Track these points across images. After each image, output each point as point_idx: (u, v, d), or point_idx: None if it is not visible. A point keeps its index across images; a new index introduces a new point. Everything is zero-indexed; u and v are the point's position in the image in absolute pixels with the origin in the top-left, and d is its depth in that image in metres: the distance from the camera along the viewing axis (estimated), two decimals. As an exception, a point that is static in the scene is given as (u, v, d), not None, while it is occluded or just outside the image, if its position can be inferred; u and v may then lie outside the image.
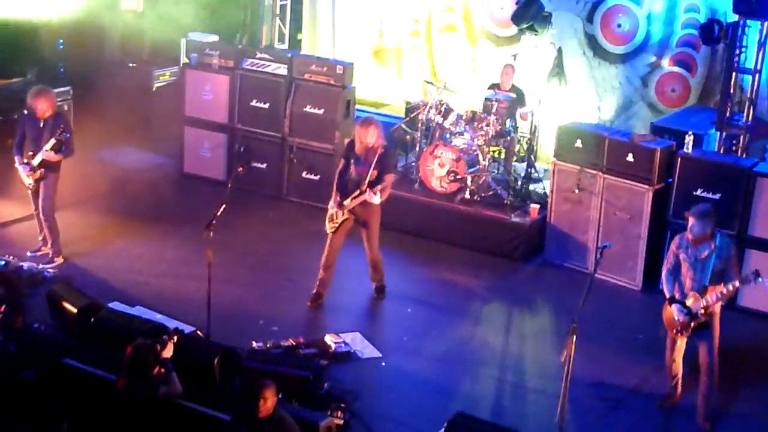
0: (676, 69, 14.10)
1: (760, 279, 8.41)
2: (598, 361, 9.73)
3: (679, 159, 11.33)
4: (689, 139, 11.51)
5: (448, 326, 10.50)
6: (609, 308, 10.96)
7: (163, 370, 7.68)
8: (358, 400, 8.86)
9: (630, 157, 11.47)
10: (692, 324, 8.65)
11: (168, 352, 7.80)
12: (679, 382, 9.10)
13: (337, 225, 10.49)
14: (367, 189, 10.24)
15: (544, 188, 13.06)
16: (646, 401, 9.28)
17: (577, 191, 11.86)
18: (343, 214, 10.43)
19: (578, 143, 11.85)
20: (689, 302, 8.62)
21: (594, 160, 11.73)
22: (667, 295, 8.81)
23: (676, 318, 8.68)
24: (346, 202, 10.38)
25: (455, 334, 10.32)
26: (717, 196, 11.07)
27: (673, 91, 14.17)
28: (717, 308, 8.75)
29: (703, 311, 8.57)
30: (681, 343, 8.91)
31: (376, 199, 10.30)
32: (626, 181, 11.53)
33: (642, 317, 11.06)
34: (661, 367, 9.36)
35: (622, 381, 9.57)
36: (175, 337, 8.02)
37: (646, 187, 11.42)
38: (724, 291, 8.54)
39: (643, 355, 10.14)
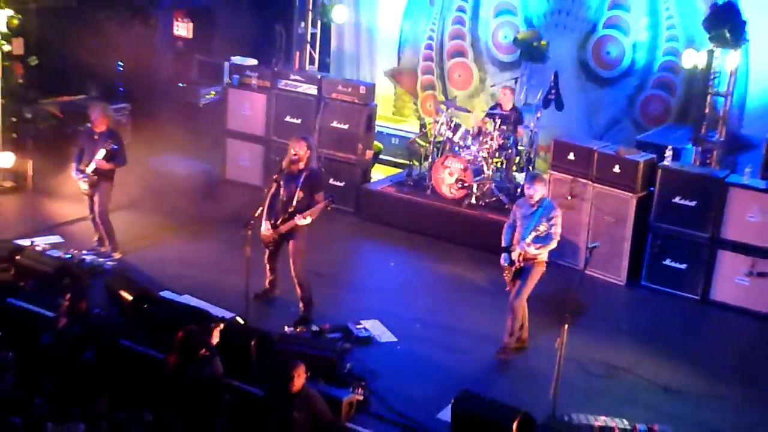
0: (657, 91, 14.05)
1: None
2: (587, 346, 9.70)
3: (660, 170, 11.31)
4: (669, 153, 11.49)
5: (455, 315, 10.48)
6: (597, 300, 10.94)
7: (208, 353, 7.70)
8: (377, 379, 8.85)
9: (617, 168, 11.43)
10: (513, 268, 9.24)
11: (214, 338, 7.82)
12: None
13: (272, 246, 9.97)
14: (297, 215, 9.53)
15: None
16: (628, 380, 9.26)
17: (570, 198, 11.83)
18: (274, 235, 9.80)
19: (571, 156, 11.83)
20: (513, 251, 9.21)
21: (585, 170, 11.70)
22: (503, 245, 9.37)
23: (501, 263, 9.33)
24: (278, 224, 9.72)
25: (462, 322, 10.30)
26: (693, 203, 11.06)
27: (654, 110, 14.12)
28: (537, 259, 9.22)
29: (517, 259, 9.17)
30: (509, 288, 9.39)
31: (304, 222, 9.59)
32: (613, 189, 11.50)
33: (626, 308, 11.06)
34: (642, 350, 9.40)
35: (607, 363, 9.54)
36: (221, 325, 8.03)
37: (631, 194, 11.38)
38: (520, 249, 9.13)
39: (625, 340, 10.15)
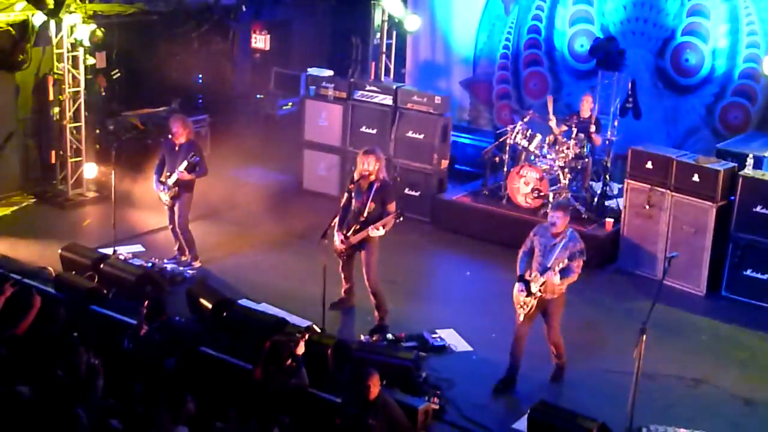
0: (737, 99, 13.81)
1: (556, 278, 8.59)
2: (665, 357, 9.58)
3: (741, 179, 11.11)
4: (750, 161, 11.29)
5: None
6: (676, 311, 10.78)
7: (294, 364, 7.77)
8: (452, 388, 8.88)
9: (696, 177, 11.27)
10: (532, 300, 8.73)
11: (300, 349, 7.89)
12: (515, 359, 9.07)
13: (344, 257, 10.02)
14: (369, 226, 9.57)
15: (617, 204, 12.90)
16: (708, 392, 9.13)
17: (647, 207, 11.70)
18: (345, 246, 9.85)
19: (649, 164, 11.69)
20: (531, 282, 8.69)
21: (663, 179, 11.56)
22: (518, 273, 8.88)
23: (515, 293, 8.82)
24: (350, 235, 9.74)
25: (537, 332, 10.16)
26: (775, 213, 10.86)
27: (735, 119, 13.88)
28: (558, 291, 8.74)
29: (539, 290, 8.66)
30: (522, 318, 8.92)
31: (377, 233, 9.64)
32: (692, 198, 11.33)
33: (705, 319, 10.85)
34: (722, 361, 9.21)
35: (686, 374, 9.43)
36: (307, 336, 8.10)
37: (711, 203, 11.21)
38: (545, 278, 8.63)
39: (705, 352, 10.01)
